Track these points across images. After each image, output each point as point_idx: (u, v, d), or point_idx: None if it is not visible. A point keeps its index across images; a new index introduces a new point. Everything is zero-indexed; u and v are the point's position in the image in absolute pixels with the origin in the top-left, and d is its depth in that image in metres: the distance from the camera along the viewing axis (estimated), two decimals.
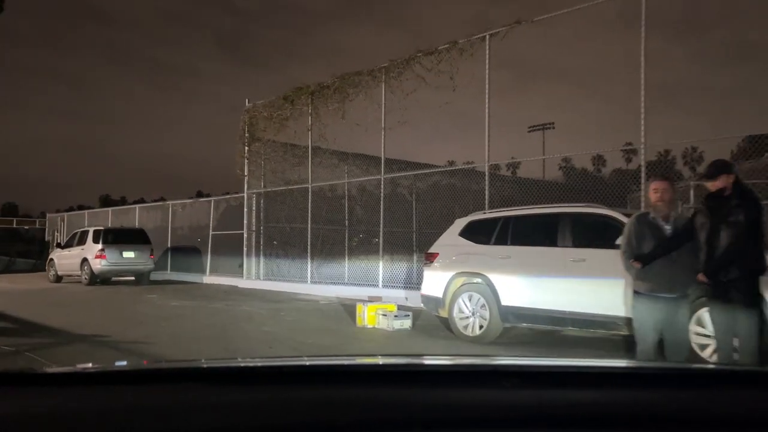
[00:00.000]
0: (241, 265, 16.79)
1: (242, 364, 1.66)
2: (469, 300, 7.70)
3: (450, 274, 7.93)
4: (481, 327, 7.54)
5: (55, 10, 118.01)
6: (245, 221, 16.55)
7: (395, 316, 8.63)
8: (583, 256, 6.71)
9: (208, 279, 17.96)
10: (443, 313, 8.02)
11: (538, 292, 6.99)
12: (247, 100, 16.59)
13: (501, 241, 7.61)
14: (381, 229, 13.13)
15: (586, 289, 6.59)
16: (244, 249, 16.47)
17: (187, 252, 19.49)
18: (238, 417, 1.02)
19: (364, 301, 9.60)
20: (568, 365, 1.53)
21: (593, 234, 6.86)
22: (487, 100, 10.94)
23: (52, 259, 18.55)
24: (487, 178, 11.06)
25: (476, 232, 7.97)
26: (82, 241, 17.30)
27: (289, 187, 15.64)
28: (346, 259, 15.36)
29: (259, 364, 1.60)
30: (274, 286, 15.36)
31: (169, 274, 19.58)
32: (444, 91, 11.78)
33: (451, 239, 8.25)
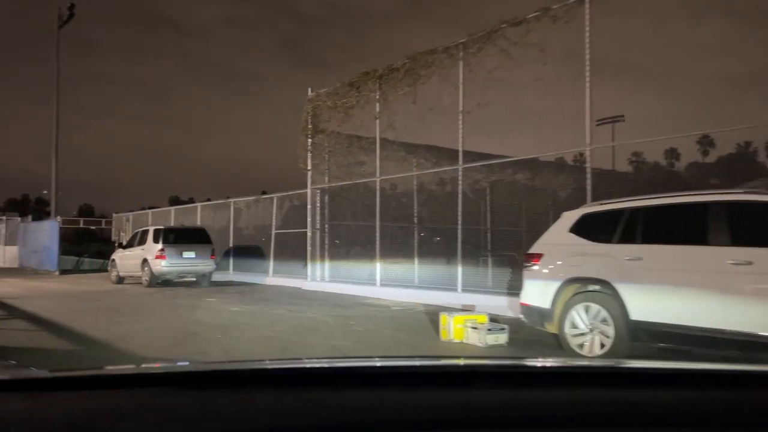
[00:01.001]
0: (305, 266, 15.74)
1: (258, 366, 1.54)
2: (586, 312, 6.19)
3: (559, 280, 6.44)
4: (602, 346, 6.03)
5: (131, 21, 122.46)
6: (309, 219, 15.47)
7: (489, 329, 7.19)
8: (749, 257, 5.09)
9: (271, 280, 17.01)
10: (551, 328, 6.53)
11: (686, 303, 5.40)
12: (309, 89, 15.51)
13: (628, 238, 6.05)
14: (459, 227, 11.68)
15: (758, 300, 4.99)
16: (308, 248, 15.39)
17: (249, 252, 18.66)
18: (253, 420, 1.02)
19: (449, 310, 8.20)
20: (547, 366, 1.60)
21: (761, 229, 5.24)
22: (587, 73, 9.31)
23: (113, 260, 18.09)
24: (589, 165, 9.41)
25: (593, 228, 6.43)
26: (142, 241, 16.69)
27: (355, 182, 14.41)
28: (417, 259, 14.05)
29: (268, 367, 1.56)
30: (340, 288, 14.19)
31: (232, 275, 18.80)
32: (532, 67, 10.23)
33: (558, 237, 6.74)
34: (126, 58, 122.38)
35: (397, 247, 15.22)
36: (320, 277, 15.28)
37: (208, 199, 23.21)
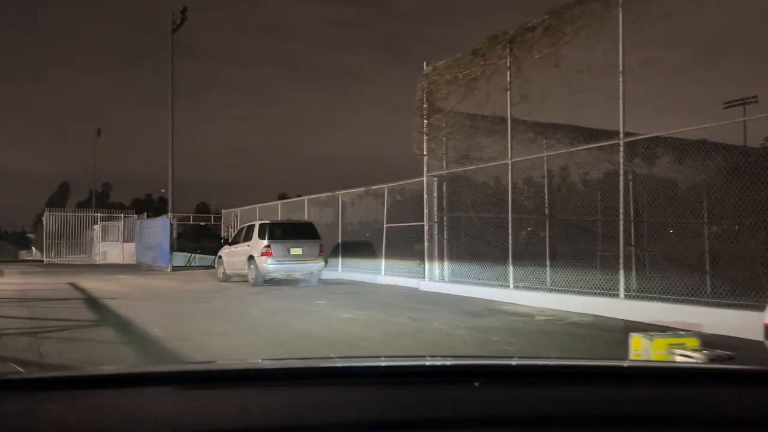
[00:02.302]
0: (422, 264, 13.95)
1: (258, 366, 1.62)
2: None
3: None
4: None
5: (236, 28, 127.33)
6: (425, 210, 13.65)
7: (710, 358, 4.96)
8: None
9: (383, 279, 15.38)
10: None
11: None
12: (425, 63, 13.66)
13: None
14: (621, 218, 9.34)
15: None
16: (425, 244, 13.58)
17: (359, 248, 17.17)
18: (243, 419, 1.01)
19: (650, 335, 6.00)
20: (540, 364, 1.59)
21: None
22: None
23: (220, 257, 17.27)
24: None
25: None
26: (248, 236, 15.65)
27: (481, 166, 12.38)
28: (549, 257, 11.88)
29: (269, 366, 1.60)
30: (464, 290, 12.25)
31: (341, 273, 17.41)
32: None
33: None
34: (234, 63, 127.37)
35: (530, 243, 13.12)
36: (439, 276, 13.43)
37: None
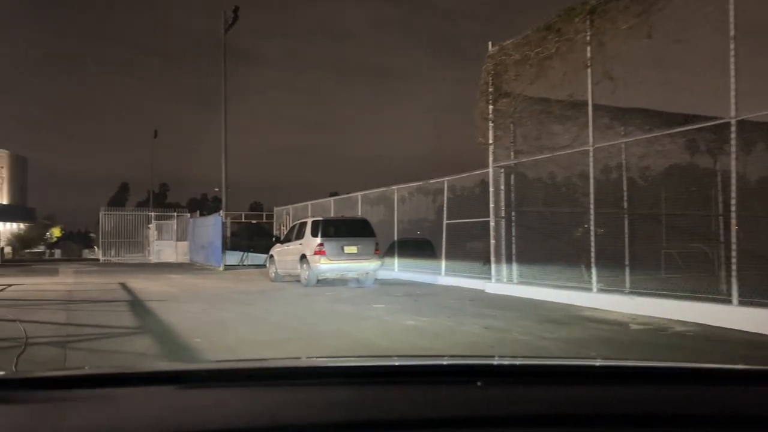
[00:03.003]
0: (487, 263, 12.76)
1: (254, 366, 1.58)
2: None
3: None
4: None
5: (289, 31, 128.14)
6: (491, 205, 12.45)
7: None
8: None
9: (444, 280, 14.26)
10: None
11: None
12: (490, 44, 12.45)
13: None
14: (733, 210, 7.92)
15: None
16: (491, 242, 12.38)
17: (416, 246, 16.11)
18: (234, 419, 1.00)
19: None
20: (543, 364, 1.57)
21: None
22: None
23: (271, 255, 16.53)
24: None
25: None
26: (300, 234, 14.82)
27: (557, 154, 11.09)
28: (637, 257, 10.51)
29: (269, 366, 1.60)
30: (536, 293, 11.02)
31: (397, 273, 16.39)
32: None
33: None
34: (285, 65, 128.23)
35: (603, 240, 11.79)
36: (507, 277, 12.21)
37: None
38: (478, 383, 1.15)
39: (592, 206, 10.16)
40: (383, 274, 15.28)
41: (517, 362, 1.67)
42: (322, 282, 14.00)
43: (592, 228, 10.13)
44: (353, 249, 13.97)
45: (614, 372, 1.42)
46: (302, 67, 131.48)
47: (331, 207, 20.82)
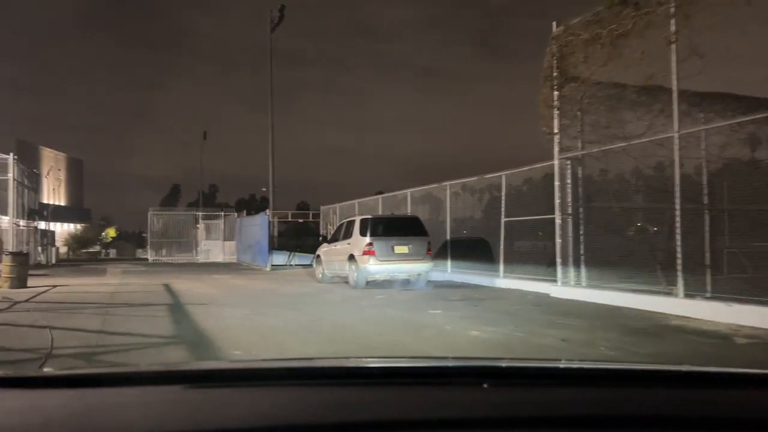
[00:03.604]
0: (551, 265, 11.67)
1: (260, 366, 1.60)
2: None
3: None
4: None
5: (330, 31, 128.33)
6: (557, 200, 11.35)
7: None
8: None
9: (503, 282, 13.21)
10: None
11: None
12: (554, 24, 11.35)
13: None
14: None
15: None
16: (557, 241, 11.28)
17: (470, 246, 15.10)
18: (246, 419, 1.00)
19: None
20: (549, 367, 1.56)
21: None
22: None
23: (318, 255, 15.83)
24: None
25: None
26: (347, 233, 14.04)
27: (635, 142, 9.91)
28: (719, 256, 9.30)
29: (273, 366, 1.58)
30: (610, 297, 9.89)
31: (450, 274, 15.41)
32: None
33: None
34: (330, 66, 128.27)
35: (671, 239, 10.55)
36: (574, 280, 11.09)
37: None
38: (485, 385, 1.15)
39: (677, 201, 8.96)
40: (435, 276, 14.35)
41: (524, 364, 1.72)
42: (371, 284, 13.18)
43: (678, 225, 8.94)
44: (404, 249, 13.10)
45: (621, 375, 1.42)
46: (347, 67, 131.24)
47: (378, 205, 20.00)
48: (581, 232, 11.18)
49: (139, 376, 1.33)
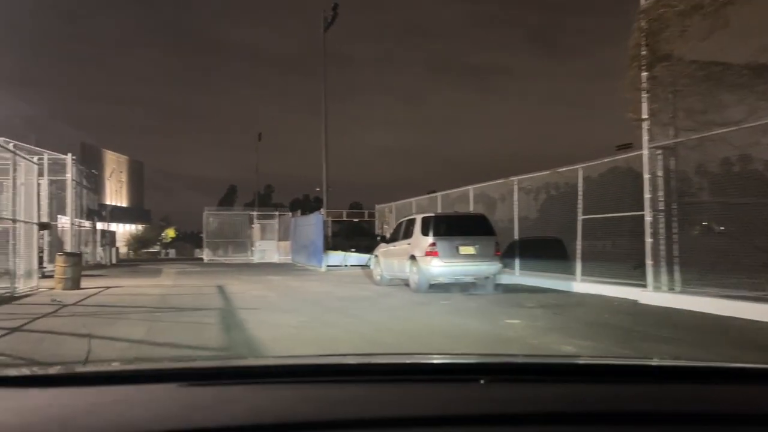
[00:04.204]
0: (638, 267, 10.39)
1: (250, 364, 1.67)
2: None
3: None
4: None
5: (385, 32, 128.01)
6: (647, 195, 10.05)
7: None
8: None
9: (581, 286, 11.97)
10: None
11: None
12: None
13: None
14: None
15: None
16: (647, 241, 9.98)
17: (541, 246, 13.89)
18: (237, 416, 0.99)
19: None
20: (545, 363, 1.57)
21: None
22: None
23: (376, 256, 14.96)
24: None
25: None
26: (408, 233, 13.10)
27: (746, 126, 8.56)
28: None
29: (266, 363, 1.66)
30: (714, 306, 8.56)
31: (518, 277, 14.25)
32: None
33: None
34: (383, 66, 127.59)
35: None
36: (668, 284, 9.78)
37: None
38: (481, 381, 1.16)
39: None
40: (502, 279, 13.22)
41: (520, 360, 1.72)
42: (433, 287, 12.20)
43: None
44: (470, 249, 12.05)
45: (617, 370, 1.41)
46: (401, 67, 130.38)
47: (438, 203, 18.97)
48: (674, 231, 9.87)
49: (135, 374, 1.33)
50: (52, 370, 1.30)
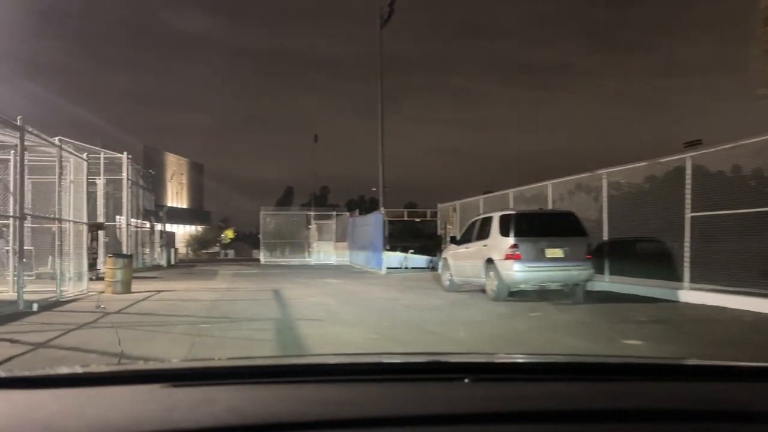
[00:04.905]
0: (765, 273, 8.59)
1: (241, 364, 1.59)
2: None
3: None
4: None
5: (438, 33, 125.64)
6: None
7: None
8: None
9: (691, 295, 10.19)
10: None
11: None
12: None
13: None
14: None
15: None
16: None
17: (636, 248, 12.15)
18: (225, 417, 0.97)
19: None
20: (528, 362, 1.59)
21: None
22: None
23: (445, 259, 13.54)
24: None
25: None
26: (483, 233, 11.62)
27: None
28: None
29: (258, 364, 1.59)
30: None
31: (608, 283, 12.52)
32: None
33: None
34: (439, 67, 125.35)
35: None
36: None
37: (521, 194, 17.48)
38: (466, 380, 1.15)
39: None
40: (591, 285, 11.55)
41: (505, 359, 1.70)
42: (513, 294, 10.69)
43: None
44: (557, 252, 10.46)
45: (603, 368, 1.40)
46: (457, 67, 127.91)
47: (509, 201, 17.34)
48: None
49: (117, 376, 1.32)
50: (35, 372, 1.25)
